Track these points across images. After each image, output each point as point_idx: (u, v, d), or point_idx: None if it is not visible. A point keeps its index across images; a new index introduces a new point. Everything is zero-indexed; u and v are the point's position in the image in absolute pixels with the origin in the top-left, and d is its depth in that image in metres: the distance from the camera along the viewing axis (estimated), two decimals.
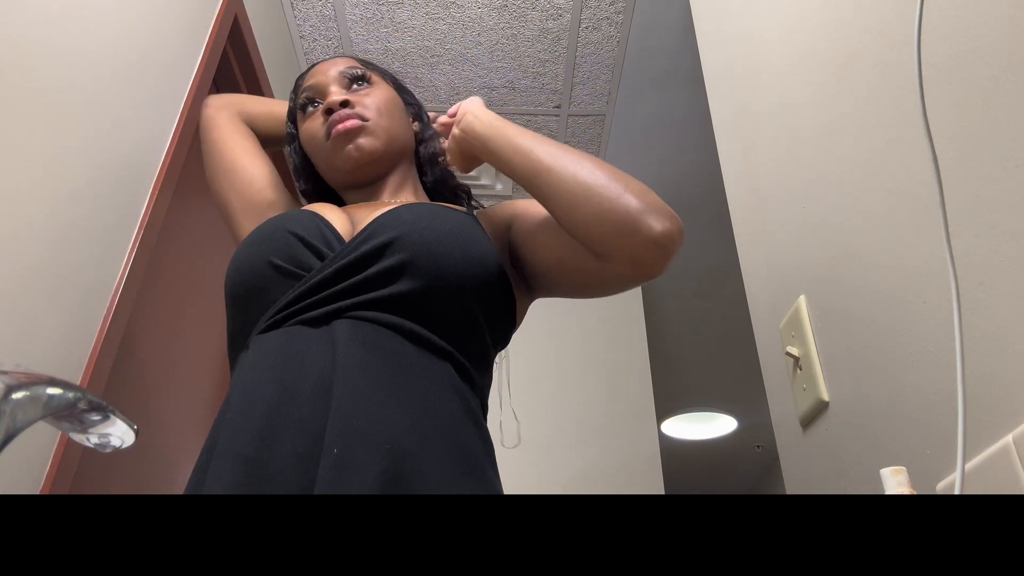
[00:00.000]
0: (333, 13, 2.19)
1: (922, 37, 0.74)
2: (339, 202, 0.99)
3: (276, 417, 0.68)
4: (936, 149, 0.68)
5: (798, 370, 1.06)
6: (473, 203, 1.07)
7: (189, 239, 1.52)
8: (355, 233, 0.84)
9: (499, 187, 2.75)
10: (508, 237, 0.91)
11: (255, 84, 1.84)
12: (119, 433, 0.51)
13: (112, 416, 0.50)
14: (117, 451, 0.52)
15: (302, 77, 1.04)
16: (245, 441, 0.66)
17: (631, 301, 2.87)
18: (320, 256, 0.81)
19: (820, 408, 1.00)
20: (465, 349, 0.80)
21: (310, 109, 0.99)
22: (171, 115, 1.37)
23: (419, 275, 0.77)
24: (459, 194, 1.07)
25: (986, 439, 0.66)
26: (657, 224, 0.73)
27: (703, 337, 3.69)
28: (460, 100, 0.98)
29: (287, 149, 1.08)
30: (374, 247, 0.79)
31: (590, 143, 2.64)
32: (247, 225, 0.98)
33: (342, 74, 1.00)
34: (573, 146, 0.84)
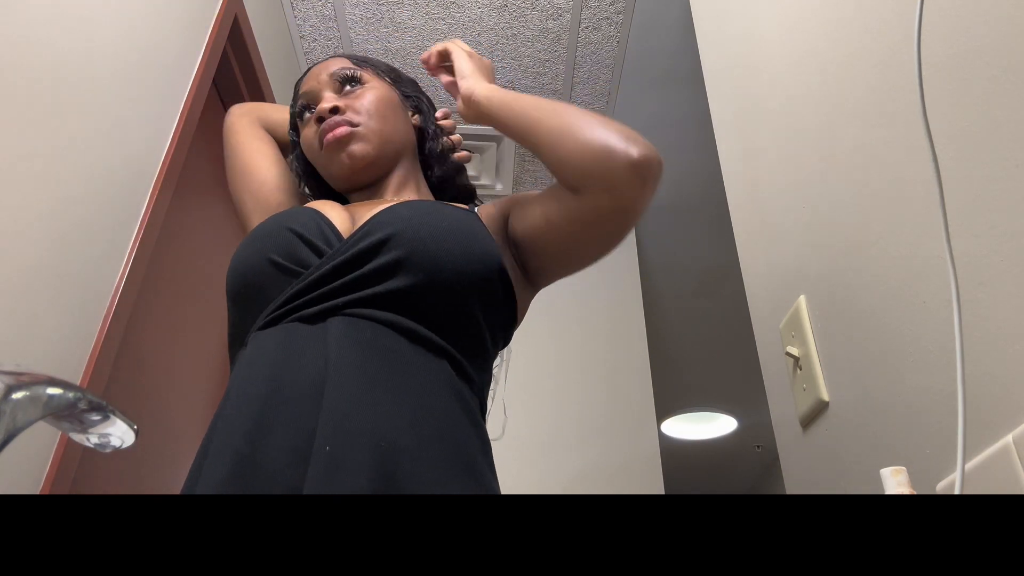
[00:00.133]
0: (333, 13, 2.19)
1: (922, 37, 0.74)
2: (344, 201, 1.00)
3: (270, 414, 0.68)
4: (936, 149, 0.68)
5: (798, 370, 1.06)
6: (477, 202, 1.07)
7: (189, 239, 1.52)
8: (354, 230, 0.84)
9: (499, 187, 2.75)
10: (506, 228, 0.91)
11: (255, 84, 1.83)
12: (119, 433, 0.51)
13: (112, 416, 0.50)
14: (117, 451, 0.52)
15: (299, 82, 1.04)
16: (239, 437, 0.66)
17: (631, 301, 2.87)
18: (319, 253, 0.81)
19: (820, 408, 1.00)
20: (463, 347, 0.79)
21: (306, 116, 1.00)
22: (171, 115, 1.37)
23: (415, 271, 0.77)
24: (465, 191, 1.07)
25: (986, 439, 0.66)
26: (634, 150, 0.76)
27: (703, 337, 3.69)
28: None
29: (289, 157, 1.08)
30: (370, 244, 0.79)
31: None
32: None
33: (333, 77, 0.99)
34: None
